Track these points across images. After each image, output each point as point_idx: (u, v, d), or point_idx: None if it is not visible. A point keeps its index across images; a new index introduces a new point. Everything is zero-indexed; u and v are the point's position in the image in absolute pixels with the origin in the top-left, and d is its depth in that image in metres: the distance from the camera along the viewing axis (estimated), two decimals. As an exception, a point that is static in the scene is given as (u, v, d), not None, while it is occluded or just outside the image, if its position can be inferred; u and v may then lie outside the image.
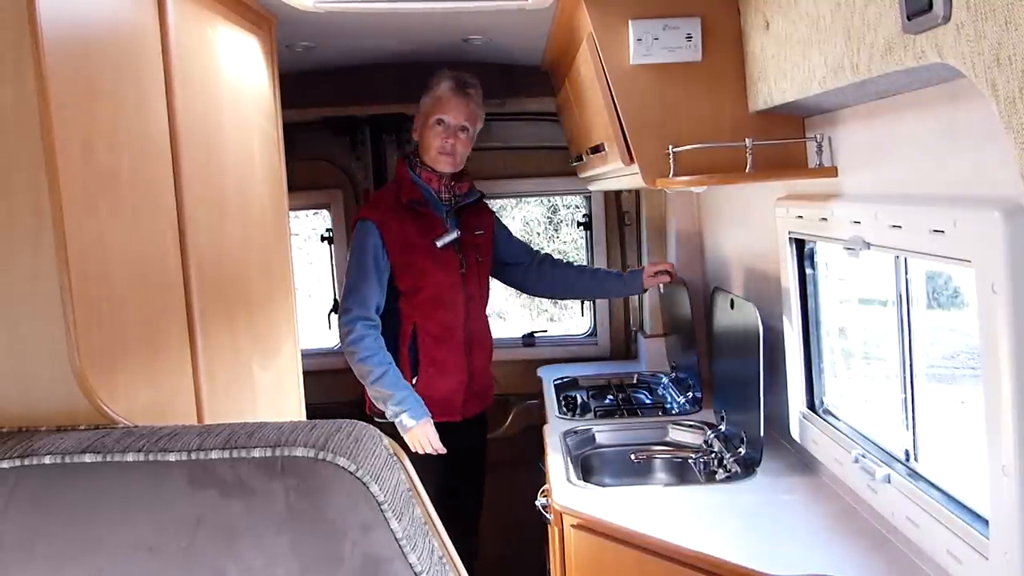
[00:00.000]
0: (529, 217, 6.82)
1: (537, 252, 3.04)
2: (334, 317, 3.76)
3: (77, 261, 1.09)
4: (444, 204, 2.74)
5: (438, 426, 2.59)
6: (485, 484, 2.98)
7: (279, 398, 2.05)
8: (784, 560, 1.70)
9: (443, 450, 2.54)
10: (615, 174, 2.43)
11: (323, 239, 3.73)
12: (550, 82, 3.23)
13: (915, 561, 1.64)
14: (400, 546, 0.94)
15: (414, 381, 2.69)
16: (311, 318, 3.87)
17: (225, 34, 1.79)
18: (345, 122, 3.50)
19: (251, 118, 1.97)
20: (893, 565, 1.65)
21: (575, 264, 3.17)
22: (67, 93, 1.11)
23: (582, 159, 2.78)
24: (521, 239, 3.09)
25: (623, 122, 2.01)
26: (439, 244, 2.67)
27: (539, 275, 3.00)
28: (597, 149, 2.35)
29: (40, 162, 1.06)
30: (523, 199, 5.72)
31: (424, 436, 2.53)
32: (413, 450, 2.53)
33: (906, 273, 1.70)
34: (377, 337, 2.65)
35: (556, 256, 3.09)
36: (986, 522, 1.36)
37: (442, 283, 2.71)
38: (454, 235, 2.70)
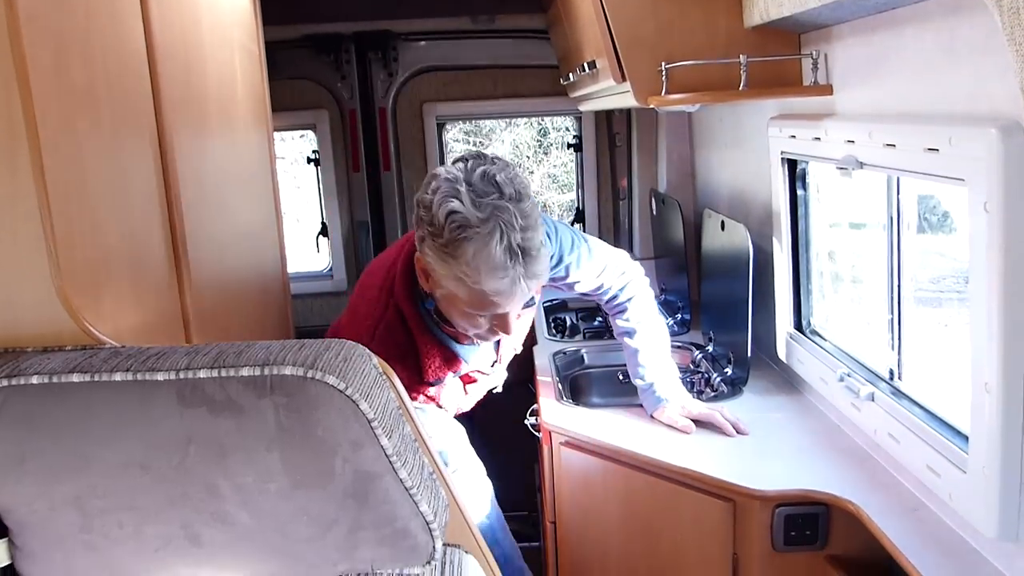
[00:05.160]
0: (519, 140, 6.73)
1: (614, 297, 2.12)
2: (323, 240, 3.75)
3: (55, 181, 1.06)
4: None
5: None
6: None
7: (268, 321, 2.05)
8: (768, 476, 1.74)
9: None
10: (606, 93, 2.38)
11: (309, 161, 3.68)
12: (540, -3, 3.13)
13: (895, 476, 1.68)
14: (391, 462, 0.95)
15: None
16: (299, 242, 3.85)
17: (201, -57, 1.72)
18: (329, 40, 3.40)
19: (231, 34, 1.90)
20: (874, 480, 1.69)
21: (634, 335, 2.12)
22: (36, 4, 1.06)
23: (572, 78, 2.72)
24: (594, 274, 2.04)
25: (615, 38, 1.95)
26: (470, 391, 1.94)
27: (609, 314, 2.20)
28: (588, 67, 2.29)
29: (11, 78, 1.02)
30: (513, 122, 5.62)
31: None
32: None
33: (898, 194, 1.69)
34: None
35: (625, 315, 2.13)
36: (965, 438, 1.38)
37: (466, 403, 2.01)
38: (493, 376, 1.95)
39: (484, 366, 1.81)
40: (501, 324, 1.58)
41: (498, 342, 1.83)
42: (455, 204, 1.45)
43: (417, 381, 1.70)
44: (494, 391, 2.02)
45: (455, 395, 1.80)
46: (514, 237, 1.44)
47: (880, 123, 1.55)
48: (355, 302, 1.80)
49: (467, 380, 1.81)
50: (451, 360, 1.71)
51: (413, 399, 1.71)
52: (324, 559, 1.02)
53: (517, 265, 1.46)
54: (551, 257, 1.90)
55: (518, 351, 2.00)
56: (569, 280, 1.99)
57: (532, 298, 1.75)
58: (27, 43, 1.03)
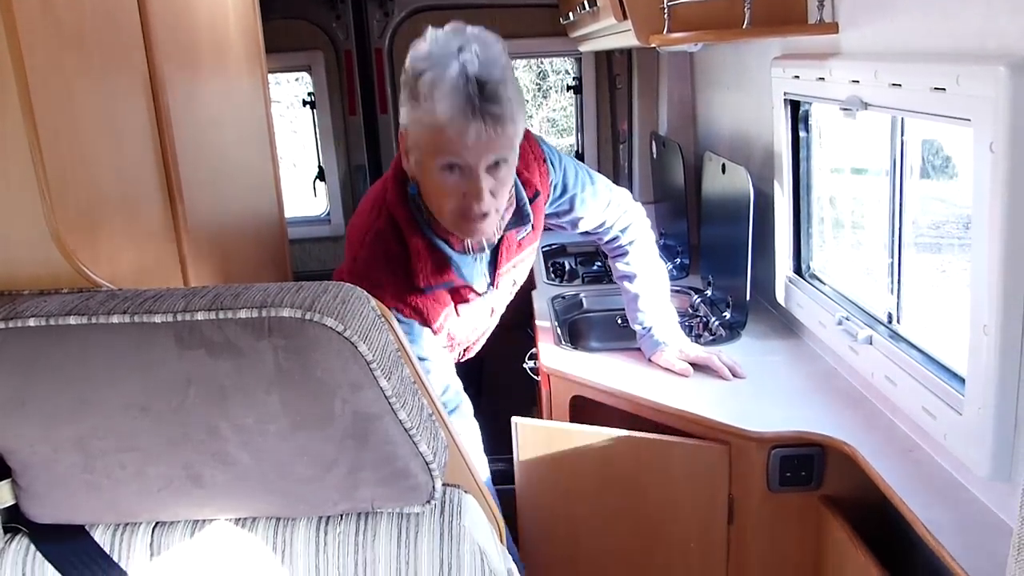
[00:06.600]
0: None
1: (615, 238, 2.10)
2: (320, 185, 3.72)
3: (45, 121, 1.04)
4: (476, 256, 1.76)
5: None
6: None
7: (265, 265, 2.04)
8: (764, 418, 1.76)
9: None
10: (607, 32, 2.34)
11: (305, 104, 3.62)
12: (539, -68, 3.05)
13: (891, 418, 1.70)
14: (390, 404, 0.95)
15: None
16: (296, 187, 3.82)
17: None
18: (322, -23, 3.33)
19: (222, -30, 1.85)
20: (870, 422, 1.70)
21: (634, 280, 2.12)
22: (19, -63, 1.02)
23: (572, 17, 2.66)
24: (599, 210, 2.01)
25: (616, -26, 1.91)
26: (462, 314, 1.82)
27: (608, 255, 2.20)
28: (588, 5, 2.24)
29: (-4, 16, 1.00)
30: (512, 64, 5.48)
31: None
32: None
33: (902, 136, 1.67)
34: None
35: (626, 259, 2.12)
36: (962, 380, 1.39)
37: (458, 338, 1.92)
38: (487, 301, 1.85)
39: (478, 284, 1.79)
40: (472, 189, 1.51)
41: (495, 263, 1.82)
42: (422, 46, 1.49)
43: (406, 289, 1.67)
44: (486, 331, 2.01)
45: (446, 312, 1.77)
46: (471, 66, 1.43)
47: (886, 62, 1.52)
48: (354, 219, 1.81)
49: (459, 299, 1.78)
50: (442, 266, 1.68)
51: (402, 312, 1.69)
52: (324, 499, 1.03)
53: (472, 94, 1.42)
54: (555, 187, 1.88)
55: (518, 283, 1.97)
56: (573, 214, 1.97)
57: (531, 225, 1.77)
58: (10, -22, 1.00)
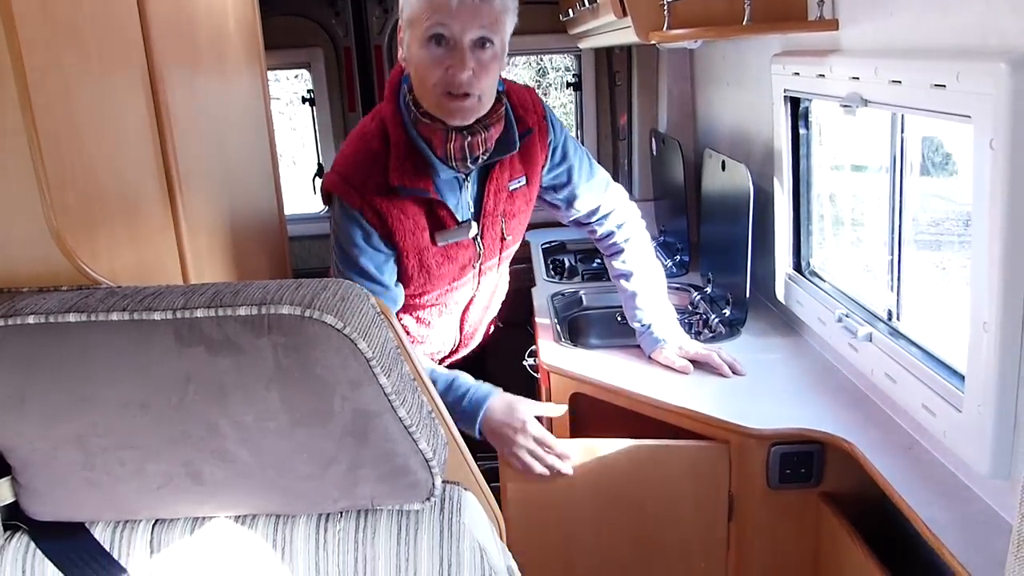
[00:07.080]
0: (517, 80, 6.63)
1: (610, 235, 2.08)
2: (319, 182, 3.72)
3: (44, 118, 1.04)
4: (458, 171, 1.76)
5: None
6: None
7: (265, 262, 2.04)
8: (764, 415, 1.76)
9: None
10: (607, 29, 2.33)
11: (304, 101, 3.62)
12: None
13: (890, 415, 1.70)
14: (390, 401, 0.95)
15: None
16: (296, 184, 3.82)
17: None
18: (321, -26, 3.33)
19: (221, -34, 1.85)
20: (869, 419, 1.70)
21: (630, 278, 2.09)
22: (17, -66, 1.02)
23: (572, 14, 2.66)
24: (596, 191, 2.02)
25: (616, -29, 1.91)
26: (440, 243, 1.80)
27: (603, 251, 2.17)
28: (588, 1, 2.24)
29: (-5, 12, 1.00)
30: (511, 61, 5.51)
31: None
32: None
33: (902, 133, 1.67)
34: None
35: (621, 257, 2.09)
36: (962, 377, 1.39)
37: (443, 288, 1.90)
38: (467, 233, 1.81)
39: (459, 212, 1.79)
40: (456, 60, 1.56)
41: (482, 202, 1.82)
42: None
43: (376, 190, 1.71)
44: (489, 319, 2.02)
45: (417, 236, 1.76)
46: None
47: (886, 59, 1.52)
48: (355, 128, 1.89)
49: (436, 225, 1.78)
50: (420, 169, 1.71)
51: (364, 214, 1.73)
52: (324, 496, 1.03)
53: None
54: (553, 151, 1.92)
55: (509, 242, 1.95)
56: (571, 188, 1.98)
57: (525, 178, 1.84)
58: (10, -25, 1.00)
